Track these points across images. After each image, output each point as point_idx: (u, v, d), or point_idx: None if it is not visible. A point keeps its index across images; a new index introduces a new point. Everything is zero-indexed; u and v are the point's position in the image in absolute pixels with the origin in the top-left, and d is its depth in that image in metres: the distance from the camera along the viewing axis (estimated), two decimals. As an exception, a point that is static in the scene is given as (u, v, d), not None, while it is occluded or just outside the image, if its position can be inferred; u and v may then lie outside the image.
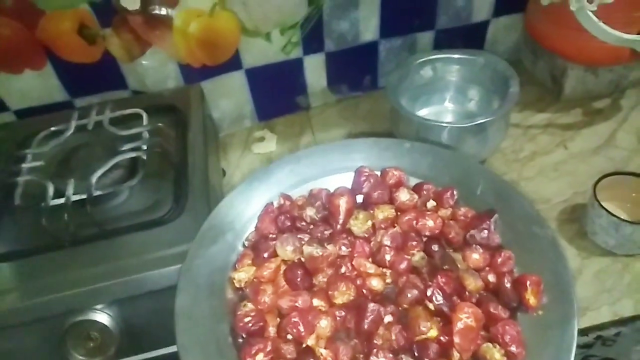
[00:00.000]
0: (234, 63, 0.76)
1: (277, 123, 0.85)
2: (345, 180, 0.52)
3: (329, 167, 0.53)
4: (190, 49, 0.71)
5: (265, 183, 0.52)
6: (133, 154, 0.57)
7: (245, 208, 0.50)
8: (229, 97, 0.80)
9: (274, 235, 0.49)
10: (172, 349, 0.53)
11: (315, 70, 0.81)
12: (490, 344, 0.39)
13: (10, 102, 0.74)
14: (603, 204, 0.57)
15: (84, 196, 0.54)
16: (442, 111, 0.76)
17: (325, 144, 0.61)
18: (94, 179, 0.54)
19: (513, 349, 0.38)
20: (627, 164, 0.69)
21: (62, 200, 0.54)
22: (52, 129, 0.63)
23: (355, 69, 0.84)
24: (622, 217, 0.56)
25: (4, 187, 0.58)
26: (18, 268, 0.52)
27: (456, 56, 0.72)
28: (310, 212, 0.50)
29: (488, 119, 0.62)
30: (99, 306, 0.50)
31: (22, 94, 0.73)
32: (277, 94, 0.83)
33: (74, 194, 0.54)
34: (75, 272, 0.51)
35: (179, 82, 0.75)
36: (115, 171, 0.58)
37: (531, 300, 0.41)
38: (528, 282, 0.41)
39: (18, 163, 0.59)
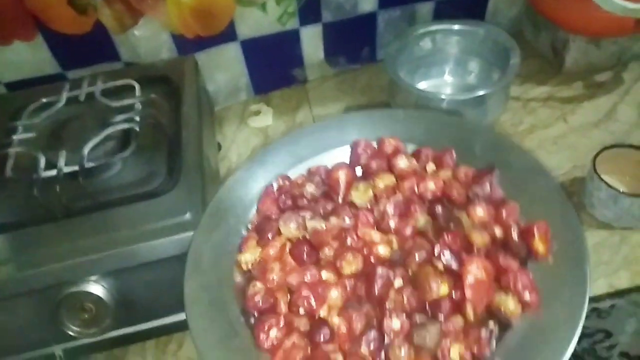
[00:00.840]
0: (228, 34, 0.74)
1: (274, 96, 0.83)
2: (343, 155, 0.52)
3: (325, 143, 0.53)
4: (184, 18, 0.69)
5: (263, 166, 0.51)
6: (125, 126, 0.56)
7: (245, 192, 0.50)
8: (224, 69, 0.78)
9: (276, 216, 0.49)
10: (167, 320, 0.54)
11: (312, 41, 0.79)
12: (503, 295, 0.38)
13: (1, 75, 0.72)
14: (602, 176, 0.57)
15: (76, 168, 0.53)
16: (441, 84, 0.75)
17: (319, 122, 0.59)
18: (86, 150, 0.53)
19: (527, 296, 0.38)
20: (627, 137, 0.69)
21: (54, 172, 0.53)
22: (44, 100, 0.62)
23: (353, 41, 0.82)
24: (620, 190, 0.56)
25: (-5, 159, 0.57)
26: (11, 240, 0.52)
27: (456, 27, 0.71)
28: (310, 189, 0.50)
29: (488, 91, 0.61)
30: (92, 278, 0.49)
31: (13, 65, 0.72)
32: (273, 67, 0.81)
33: (66, 166, 0.53)
34: (69, 243, 0.50)
35: (173, 54, 0.74)
36: (108, 143, 0.57)
37: (540, 248, 0.40)
38: (535, 230, 0.40)
39: (9, 135, 0.58)
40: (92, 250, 0.49)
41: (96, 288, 0.49)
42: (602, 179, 0.57)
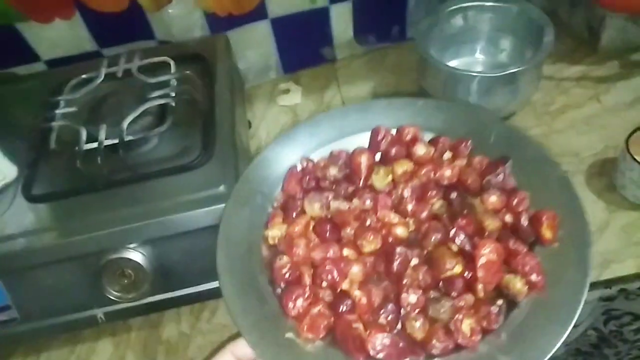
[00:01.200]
0: (259, 12, 0.75)
1: (303, 75, 0.84)
2: (363, 140, 0.54)
3: (347, 129, 0.55)
4: (216, -4, 0.70)
5: (287, 148, 0.54)
6: (162, 101, 0.58)
7: (270, 173, 0.52)
8: (254, 47, 0.79)
9: (301, 196, 0.52)
10: (201, 287, 0.56)
11: (341, 20, 0.79)
12: (511, 275, 0.41)
13: (41, 52, 0.75)
14: (635, 157, 0.56)
15: (115, 141, 0.55)
16: (472, 62, 0.74)
17: (341, 108, 0.62)
18: (125, 124, 0.55)
19: (533, 277, 0.40)
20: (663, 118, 0.67)
21: (95, 145, 0.55)
22: (83, 76, 0.64)
23: (383, 19, 0.82)
24: (654, 170, 0.55)
25: (39, 132, 0.60)
26: (55, 208, 0.55)
27: (489, 4, 0.70)
28: (333, 172, 0.52)
29: (520, 69, 0.61)
30: (132, 245, 0.52)
31: (53, 43, 0.74)
32: (302, 45, 0.82)
33: (106, 139, 0.56)
34: (109, 213, 0.53)
35: (205, 32, 0.75)
36: (145, 118, 0.59)
37: (547, 234, 0.43)
38: (544, 218, 0.43)
39: (52, 109, 0.61)
40: (132, 219, 0.52)
41: (136, 255, 0.52)
42: (634, 159, 0.56)
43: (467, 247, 0.43)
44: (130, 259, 0.52)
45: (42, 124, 0.60)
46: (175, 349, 0.56)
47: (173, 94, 0.59)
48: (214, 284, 0.55)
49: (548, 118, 0.70)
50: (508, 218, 0.45)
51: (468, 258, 0.43)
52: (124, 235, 0.52)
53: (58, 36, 0.73)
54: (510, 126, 0.55)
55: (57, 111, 0.60)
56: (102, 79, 0.63)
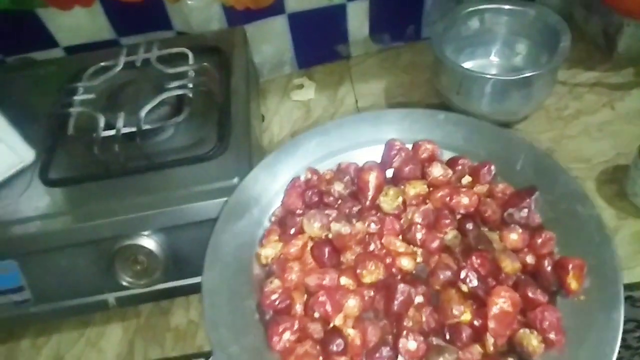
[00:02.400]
0: (277, 7, 0.75)
1: (317, 71, 0.85)
2: (375, 153, 0.50)
3: (358, 139, 0.51)
4: (235, -10, 0.71)
5: (292, 156, 0.50)
6: (179, 92, 0.59)
7: (271, 182, 0.49)
8: (270, 42, 0.80)
9: (301, 211, 0.48)
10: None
11: (358, 17, 0.80)
12: (527, 330, 0.37)
13: (60, 38, 0.76)
14: (647, 165, 0.56)
15: (133, 129, 0.56)
16: (486, 65, 0.74)
17: (354, 115, 0.57)
18: (142, 113, 0.56)
19: (552, 336, 0.36)
20: (676, 127, 0.67)
21: (112, 132, 0.56)
22: (102, 64, 0.64)
23: (399, 18, 0.82)
24: (666, 179, 0.55)
25: (58, 118, 0.61)
26: (71, 193, 0.56)
27: (506, 7, 0.70)
28: (338, 188, 0.49)
29: (535, 73, 0.61)
30: (145, 232, 0.53)
31: (72, 30, 0.75)
32: (318, 41, 0.82)
33: (123, 127, 0.56)
34: (124, 199, 0.53)
35: (223, 25, 0.76)
36: (162, 108, 0.59)
37: (573, 284, 0.38)
38: (570, 266, 0.38)
39: (70, 95, 0.62)
40: (146, 207, 0.52)
41: (149, 242, 0.53)
42: (647, 167, 0.56)
43: (480, 292, 0.39)
44: (143, 246, 0.52)
45: (60, 110, 0.60)
46: (183, 336, 0.57)
47: (190, 85, 0.60)
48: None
49: (561, 123, 0.70)
50: (529, 259, 0.41)
51: (479, 303, 0.39)
52: (137, 223, 0.52)
53: (77, 23, 0.74)
54: (541, 152, 0.49)
55: (76, 97, 0.61)
56: (120, 67, 0.63)
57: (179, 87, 0.59)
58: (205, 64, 0.63)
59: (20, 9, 0.71)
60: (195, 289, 0.58)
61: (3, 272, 0.53)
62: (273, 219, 0.49)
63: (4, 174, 0.56)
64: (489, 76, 0.63)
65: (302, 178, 0.50)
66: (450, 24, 0.70)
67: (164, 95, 0.58)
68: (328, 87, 0.82)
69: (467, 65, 0.74)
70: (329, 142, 0.51)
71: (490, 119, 0.66)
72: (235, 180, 0.54)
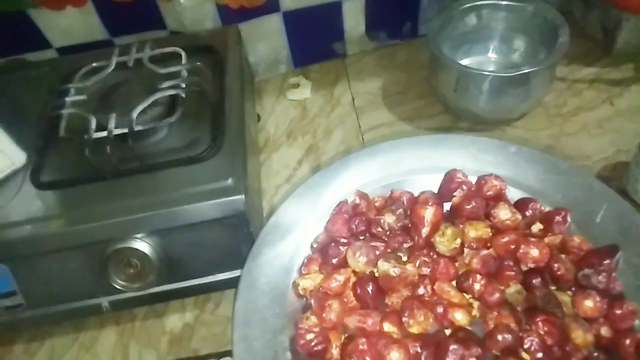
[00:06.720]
0: (271, 5, 0.74)
1: (312, 70, 0.84)
2: (432, 182, 0.45)
3: (415, 164, 0.46)
4: (228, -12, 0.70)
5: (341, 176, 0.46)
6: (172, 92, 0.58)
7: (315, 203, 0.44)
8: (265, 40, 0.79)
9: (346, 240, 0.44)
10: (206, 279, 0.56)
11: (353, 15, 0.79)
12: None
13: (53, 39, 0.75)
14: (648, 161, 0.56)
15: (125, 130, 0.55)
16: (484, 61, 0.74)
17: (413, 137, 0.51)
18: (134, 114, 0.55)
19: None
20: (677, 123, 0.66)
21: (104, 134, 0.55)
22: (94, 65, 0.63)
23: (395, 16, 0.81)
24: (667, 176, 0.54)
25: (49, 120, 0.60)
26: (63, 196, 0.55)
27: (504, 3, 0.69)
28: (389, 220, 0.44)
29: (533, 69, 0.60)
30: (139, 235, 0.52)
31: (64, 31, 0.74)
32: (313, 40, 0.81)
33: (115, 128, 0.55)
34: (117, 202, 0.53)
35: (217, 24, 0.75)
36: (155, 108, 0.58)
37: None
38: None
39: (62, 97, 0.61)
40: (139, 209, 0.51)
41: (142, 245, 0.52)
42: (647, 164, 0.55)
43: None
44: (136, 249, 0.52)
45: (51, 111, 0.59)
46: (178, 339, 0.56)
47: (183, 85, 0.59)
48: (219, 276, 0.55)
49: (560, 120, 0.69)
50: (605, 332, 0.35)
51: None
52: (130, 225, 0.52)
53: (70, 24, 0.73)
54: (628, 205, 0.42)
55: (67, 99, 0.60)
56: (112, 67, 0.62)
57: (172, 87, 0.58)
58: (198, 63, 0.62)
59: (12, 10, 0.70)
60: (190, 291, 0.57)
61: (-6, 276, 0.52)
62: (315, 245, 0.44)
63: (-5, 177, 0.55)
64: (486, 73, 0.62)
65: (350, 202, 0.46)
66: (447, 21, 0.69)
67: (157, 96, 0.57)
68: (324, 85, 0.81)
69: (465, 61, 0.73)
70: (382, 165, 0.47)
71: (489, 116, 0.66)
72: (230, 181, 0.53)
